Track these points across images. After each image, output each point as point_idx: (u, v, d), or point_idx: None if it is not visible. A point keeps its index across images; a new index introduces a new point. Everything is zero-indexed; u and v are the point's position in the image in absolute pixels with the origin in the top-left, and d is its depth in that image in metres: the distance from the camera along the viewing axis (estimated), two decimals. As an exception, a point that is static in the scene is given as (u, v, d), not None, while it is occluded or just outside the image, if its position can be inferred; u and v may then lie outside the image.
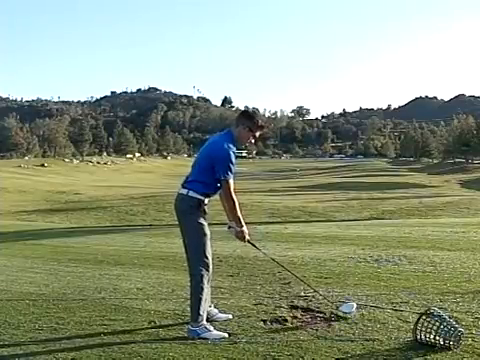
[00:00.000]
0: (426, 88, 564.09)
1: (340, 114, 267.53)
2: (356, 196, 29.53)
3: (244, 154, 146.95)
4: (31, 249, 8.86)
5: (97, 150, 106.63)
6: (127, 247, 8.52)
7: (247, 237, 3.65)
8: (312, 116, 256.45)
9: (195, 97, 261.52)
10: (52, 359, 3.14)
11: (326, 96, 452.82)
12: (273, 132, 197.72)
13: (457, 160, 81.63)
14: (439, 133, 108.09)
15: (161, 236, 10.21)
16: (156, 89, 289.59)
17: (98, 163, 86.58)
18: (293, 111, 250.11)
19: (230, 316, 3.82)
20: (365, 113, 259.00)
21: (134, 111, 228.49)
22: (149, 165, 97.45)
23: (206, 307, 3.56)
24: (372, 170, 76.05)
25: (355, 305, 3.55)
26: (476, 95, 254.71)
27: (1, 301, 4.71)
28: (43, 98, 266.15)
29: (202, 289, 3.49)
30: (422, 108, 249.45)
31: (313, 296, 4.28)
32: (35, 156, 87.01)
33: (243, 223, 3.59)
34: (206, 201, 3.63)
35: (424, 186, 40.36)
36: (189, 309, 3.57)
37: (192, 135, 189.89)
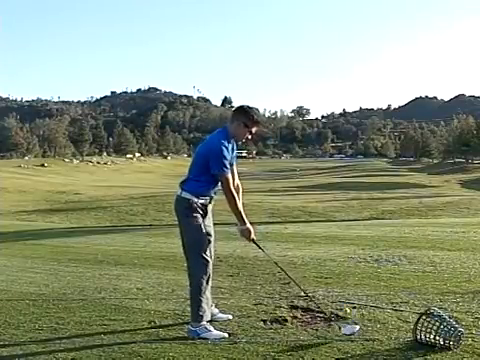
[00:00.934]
0: (426, 88, 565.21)
1: (340, 114, 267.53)
2: (356, 196, 29.52)
3: (244, 154, 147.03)
4: (31, 249, 8.86)
5: (97, 150, 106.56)
6: (127, 247, 8.52)
7: (252, 235, 3.57)
8: (312, 116, 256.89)
9: (195, 97, 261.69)
10: (52, 359, 3.14)
11: (326, 96, 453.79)
12: (273, 132, 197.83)
13: (457, 160, 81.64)
14: (439, 133, 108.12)
15: (161, 236, 10.21)
16: (156, 89, 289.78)
17: (98, 163, 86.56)
18: (293, 111, 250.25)
19: (230, 316, 3.82)
20: (365, 113, 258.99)
21: (134, 111, 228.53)
22: (149, 165, 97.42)
23: (207, 308, 3.55)
24: (372, 170, 76.03)
25: (358, 327, 3.36)
26: (476, 95, 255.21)
27: (1, 301, 4.71)
28: (43, 98, 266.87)
29: (201, 290, 3.48)
30: (422, 108, 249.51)
31: (313, 296, 4.28)
32: (35, 156, 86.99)
33: (246, 220, 3.53)
34: (203, 201, 3.59)
35: (424, 186, 40.35)
36: (189, 309, 3.57)
37: (192, 135, 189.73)
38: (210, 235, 3.66)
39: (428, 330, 3.04)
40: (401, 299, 4.12)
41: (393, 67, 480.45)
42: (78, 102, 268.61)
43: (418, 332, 3.08)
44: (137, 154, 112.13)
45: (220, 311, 3.87)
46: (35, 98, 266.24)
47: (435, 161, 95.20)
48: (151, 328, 3.67)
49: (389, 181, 47.12)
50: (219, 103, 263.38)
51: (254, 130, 3.62)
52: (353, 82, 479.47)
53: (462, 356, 2.89)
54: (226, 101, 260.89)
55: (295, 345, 3.17)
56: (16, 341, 3.51)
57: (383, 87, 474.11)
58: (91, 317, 4.00)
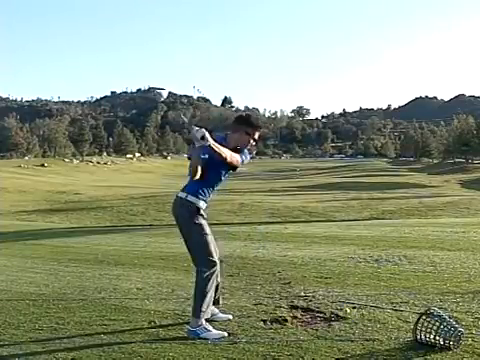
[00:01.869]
0: (426, 88, 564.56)
1: (340, 114, 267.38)
2: (356, 196, 29.52)
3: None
4: (31, 249, 8.86)
5: (97, 150, 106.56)
6: (127, 247, 8.52)
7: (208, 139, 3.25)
8: (312, 116, 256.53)
9: (195, 97, 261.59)
10: (52, 359, 3.14)
11: (326, 96, 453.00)
12: (273, 132, 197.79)
13: (457, 160, 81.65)
14: (439, 133, 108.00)
15: (161, 236, 10.21)
16: (156, 89, 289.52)
17: (98, 163, 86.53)
18: (293, 111, 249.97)
19: (230, 317, 3.82)
20: (365, 113, 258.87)
21: (134, 111, 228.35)
22: (149, 165, 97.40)
23: (208, 306, 3.55)
24: (372, 170, 76.04)
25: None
26: (476, 95, 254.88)
27: (1, 301, 4.71)
28: (43, 98, 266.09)
29: (207, 285, 3.48)
30: (422, 108, 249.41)
31: (313, 296, 4.29)
32: (35, 156, 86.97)
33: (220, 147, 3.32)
34: (206, 204, 3.62)
35: (424, 186, 40.36)
36: (189, 309, 3.57)
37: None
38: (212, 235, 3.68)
39: (428, 330, 3.04)
40: (401, 299, 4.12)
41: (393, 67, 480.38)
42: (78, 102, 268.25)
43: (418, 332, 3.08)
44: (137, 154, 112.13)
45: (220, 311, 3.87)
46: (35, 98, 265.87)
47: (435, 161, 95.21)
48: (151, 328, 3.66)
49: (389, 181, 47.12)
50: (219, 103, 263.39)
51: (256, 136, 3.69)
52: (353, 82, 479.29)
53: (462, 356, 2.89)
54: (226, 101, 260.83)
55: (295, 345, 3.17)
56: (16, 341, 3.51)
57: (383, 87, 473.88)
58: (91, 317, 4.00)
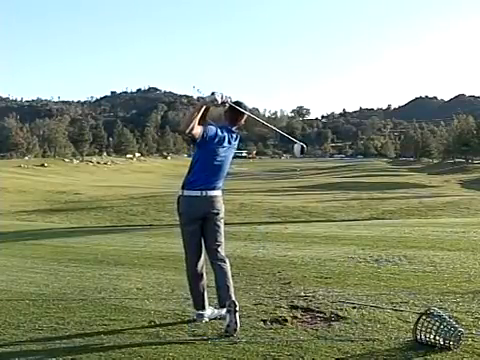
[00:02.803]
0: (426, 88, 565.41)
1: (340, 114, 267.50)
2: (356, 196, 29.52)
3: (244, 154, 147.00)
4: (31, 249, 8.86)
5: (97, 150, 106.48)
6: (127, 247, 8.52)
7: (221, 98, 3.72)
8: (312, 116, 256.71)
9: (195, 97, 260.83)
10: (52, 359, 3.14)
11: (326, 96, 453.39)
12: (273, 132, 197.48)
13: (457, 160, 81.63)
14: (439, 133, 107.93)
15: (161, 236, 10.21)
16: (156, 89, 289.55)
17: (98, 163, 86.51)
18: (293, 111, 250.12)
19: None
20: (365, 113, 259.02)
21: (134, 111, 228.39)
22: (149, 165, 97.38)
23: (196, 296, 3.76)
24: (372, 170, 76.01)
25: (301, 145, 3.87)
26: (476, 95, 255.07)
27: (1, 301, 4.71)
28: (43, 98, 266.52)
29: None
30: (422, 108, 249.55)
31: (313, 296, 4.29)
32: (35, 156, 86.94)
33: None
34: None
35: (424, 186, 40.35)
36: (190, 309, 3.57)
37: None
38: None
39: (428, 330, 3.04)
40: (401, 299, 4.12)
41: (393, 67, 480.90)
42: (78, 102, 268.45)
43: (418, 332, 3.08)
44: (137, 154, 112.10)
45: (215, 307, 3.87)
46: (35, 98, 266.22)
47: (435, 161, 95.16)
48: (151, 328, 3.66)
49: (389, 181, 47.11)
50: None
51: (236, 115, 3.90)
52: (353, 82, 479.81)
53: (462, 356, 2.89)
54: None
55: (295, 345, 3.17)
56: (16, 341, 3.51)
57: (383, 87, 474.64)
58: (91, 317, 4.00)
